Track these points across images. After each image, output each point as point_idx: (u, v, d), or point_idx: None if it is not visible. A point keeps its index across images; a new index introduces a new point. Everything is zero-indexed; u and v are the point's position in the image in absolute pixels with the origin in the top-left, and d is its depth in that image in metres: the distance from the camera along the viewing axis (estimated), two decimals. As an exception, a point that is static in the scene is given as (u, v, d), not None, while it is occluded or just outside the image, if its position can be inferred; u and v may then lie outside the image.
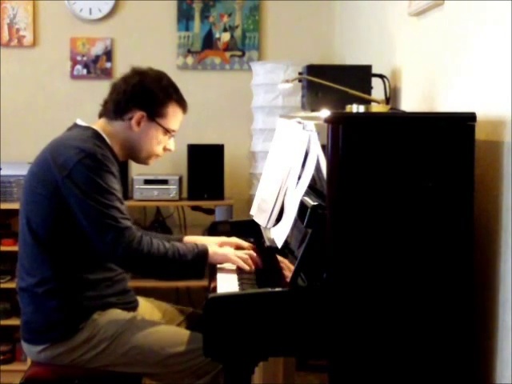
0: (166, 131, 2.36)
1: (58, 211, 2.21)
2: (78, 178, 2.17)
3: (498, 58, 1.86)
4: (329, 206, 1.83)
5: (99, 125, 2.36)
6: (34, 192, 2.26)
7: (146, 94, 2.32)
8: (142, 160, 2.42)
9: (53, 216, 2.22)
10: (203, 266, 2.25)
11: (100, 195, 2.16)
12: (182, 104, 2.38)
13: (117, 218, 2.16)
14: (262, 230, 2.42)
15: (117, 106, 2.34)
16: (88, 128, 2.33)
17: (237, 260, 2.27)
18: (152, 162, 2.44)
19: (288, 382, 2.98)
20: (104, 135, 2.32)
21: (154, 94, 2.32)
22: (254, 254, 2.34)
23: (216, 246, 2.37)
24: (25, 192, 2.32)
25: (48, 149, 2.29)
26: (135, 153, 2.39)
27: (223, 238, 2.49)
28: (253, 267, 2.28)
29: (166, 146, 2.41)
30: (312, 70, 2.79)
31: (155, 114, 2.33)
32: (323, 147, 1.88)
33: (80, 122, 2.38)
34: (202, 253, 2.25)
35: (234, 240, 2.46)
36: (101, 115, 2.39)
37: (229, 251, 2.30)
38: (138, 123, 2.32)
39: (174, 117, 2.37)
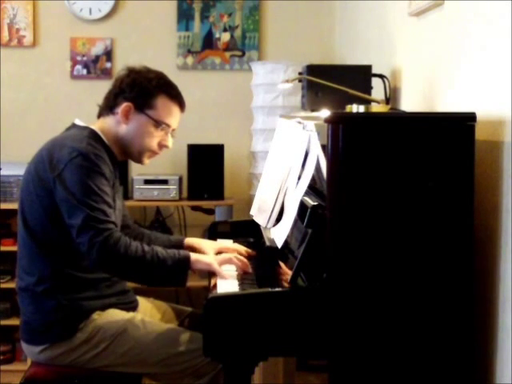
0: (157, 124, 2.32)
1: (53, 210, 2.20)
2: (68, 177, 2.16)
3: (498, 58, 1.86)
4: (329, 206, 1.83)
5: (97, 125, 2.36)
6: (31, 191, 2.26)
7: (132, 86, 2.31)
8: (137, 156, 2.37)
9: (49, 215, 2.22)
10: (184, 273, 2.19)
11: (87, 196, 2.14)
12: (174, 98, 2.35)
13: (100, 220, 2.12)
14: (262, 230, 2.42)
15: (107, 101, 2.35)
16: (85, 128, 2.33)
17: (220, 271, 2.21)
18: (148, 160, 2.40)
19: (288, 382, 2.98)
20: (101, 135, 2.32)
21: (140, 84, 2.30)
22: (243, 260, 2.29)
23: (212, 252, 2.37)
24: (22, 191, 2.32)
25: (44, 148, 2.29)
26: (128, 148, 2.35)
27: (223, 244, 2.48)
28: (239, 266, 2.25)
29: (162, 142, 2.36)
30: (312, 69, 2.79)
31: (143, 105, 2.30)
32: (323, 147, 1.88)
33: (78, 121, 2.38)
34: (183, 259, 2.19)
35: (234, 247, 2.45)
36: (98, 115, 2.40)
37: (212, 260, 2.25)
38: (126, 115, 2.30)
39: (165, 110, 2.32)
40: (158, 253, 2.17)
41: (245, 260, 2.30)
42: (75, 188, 2.15)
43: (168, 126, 2.34)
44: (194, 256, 2.23)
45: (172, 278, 2.20)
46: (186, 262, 2.19)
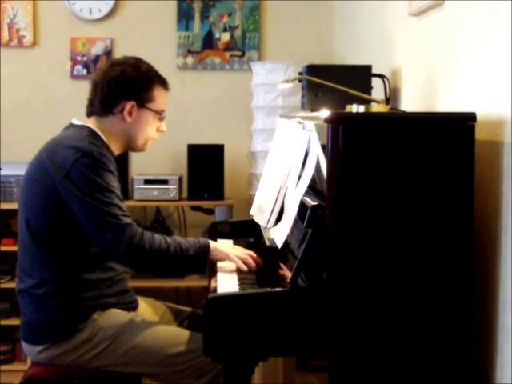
0: (158, 114, 2.37)
1: (56, 212, 2.21)
2: (76, 177, 2.17)
3: (497, 58, 1.86)
4: (329, 205, 1.83)
5: (92, 123, 2.35)
6: (32, 193, 2.26)
7: (130, 84, 2.32)
8: (140, 147, 2.42)
9: (51, 217, 2.22)
10: (205, 261, 2.25)
11: (99, 193, 2.16)
12: (164, 84, 2.39)
13: (117, 216, 2.16)
14: (262, 230, 2.42)
15: (104, 102, 2.33)
16: (83, 127, 2.33)
17: (237, 260, 2.26)
18: (149, 147, 2.44)
19: (288, 382, 2.98)
20: (99, 132, 2.32)
21: (137, 81, 2.32)
22: (255, 255, 2.33)
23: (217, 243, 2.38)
24: (23, 193, 2.32)
25: (44, 149, 2.29)
26: (133, 142, 2.39)
27: (223, 242, 2.48)
28: (253, 267, 2.27)
29: (160, 127, 2.41)
30: (312, 69, 2.79)
31: (144, 100, 2.33)
32: (323, 147, 1.88)
33: (75, 121, 2.38)
34: (204, 248, 2.25)
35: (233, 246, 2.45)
36: (89, 114, 2.38)
37: (230, 250, 2.30)
38: (130, 113, 2.33)
39: (161, 98, 2.38)
40: (180, 243, 2.22)
41: (260, 263, 2.31)
42: (86, 187, 2.16)
43: (164, 111, 2.40)
44: (213, 244, 2.28)
45: (193, 266, 2.27)
46: (206, 250, 2.25)
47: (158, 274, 2.40)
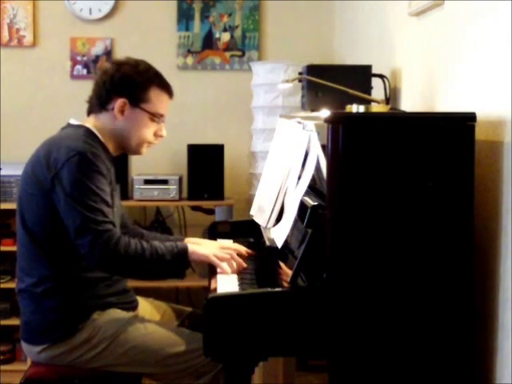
0: (153, 116, 2.34)
1: (51, 211, 2.20)
2: (66, 178, 2.16)
3: (497, 58, 1.86)
4: (329, 206, 1.83)
5: (90, 122, 2.35)
6: (28, 192, 2.26)
7: (124, 81, 2.30)
8: (134, 149, 2.38)
9: (47, 215, 2.22)
10: (183, 265, 2.23)
11: (86, 197, 2.14)
12: (165, 88, 2.36)
13: (98, 221, 2.14)
14: (262, 230, 2.42)
15: (99, 98, 2.33)
16: (80, 126, 2.33)
17: (216, 262, 2.23)
18: (145, 151, 2.41)
19: (288, 382, 2.98)
20: (96, 132, 2.32)
21: (132, 79, 2.30)
22: (240, 256, 2.31)
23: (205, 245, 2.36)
24: (20, 192, 2.32)
25: (41, 149, 2.29)
26: (126, 142, 2.36)
27: (223, 243, 2.48)
28: (234, 268, 2.25)
29: (158, 132, 2.38)
30: (312, 69, 2.80)
31: (137, 99, 2.31)
32: (323, 147, 1.88)
33: (73, 121, 2.38)
34: (182, 252, 2.22)
35: (234, 246, 2.45)
36: (88, 112, 2.38)
37: (210, 251, 2.26)
38: (122, 111, 2.31)
39: (159, 101, 2.34)
40: (157, 249, 2.19)
41: (242, 262, 2.29)
42: (73, 188, 2.15)
43: (162, 115, 2.37)
44: (191, 248, 2.25)
45: (171, 271, 2.24)
46: (184, 255, 2.22)
47: (135, 279, 2.41)
